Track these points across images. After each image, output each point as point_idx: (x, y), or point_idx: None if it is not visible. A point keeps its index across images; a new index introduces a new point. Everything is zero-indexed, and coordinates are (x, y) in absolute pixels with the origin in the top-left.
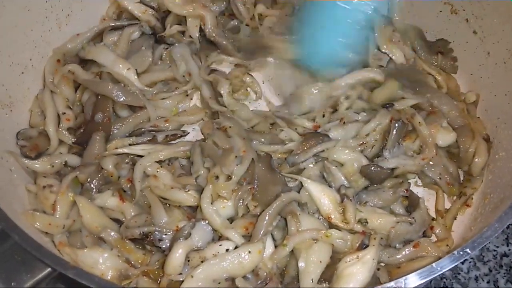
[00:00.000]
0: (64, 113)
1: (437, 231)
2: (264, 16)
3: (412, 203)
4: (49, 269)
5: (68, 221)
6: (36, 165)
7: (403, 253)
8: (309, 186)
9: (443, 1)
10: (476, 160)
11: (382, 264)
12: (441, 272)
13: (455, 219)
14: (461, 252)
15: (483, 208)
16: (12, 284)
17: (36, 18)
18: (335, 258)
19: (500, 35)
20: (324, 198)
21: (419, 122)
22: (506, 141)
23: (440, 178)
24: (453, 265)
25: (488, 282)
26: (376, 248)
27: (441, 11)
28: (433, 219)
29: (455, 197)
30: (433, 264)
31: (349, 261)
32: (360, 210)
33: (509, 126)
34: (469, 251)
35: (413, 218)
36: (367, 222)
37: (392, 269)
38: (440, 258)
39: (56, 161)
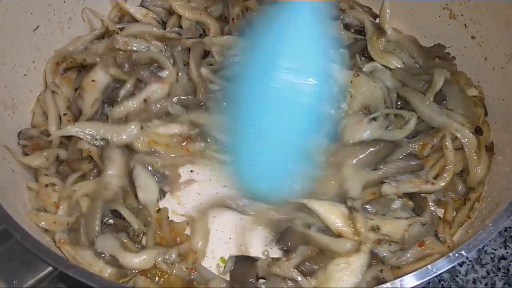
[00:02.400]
0: (65, 114)
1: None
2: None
3: (418, 205)
4: (50, 268)
5: (71, 218)
6: (31, 160)
7: (409, 254)
8: (313, 206)
9: (442, 6)
10: (477, 171)
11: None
12: (437, 274)
13: (461, 226)
14: (456, 254)
15: (479, 212)
16: (14, 283)
17: (38, 21)
18: (328, 255)
19: (498, 40)
20: (331, 215)
21: (446, 145)
22: (502, 146)
23: (445, 197)
24: (448, 267)
25: (485, 284)
26: (366, 255)
27: (440, 16)
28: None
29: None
30: (429, 266)
31: (339, 264)
32: (370, 218)
33: (506, 130)
34: (465, 253)
35: (425, 219)
36: (379, 229)
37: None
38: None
39: (49, 154)
